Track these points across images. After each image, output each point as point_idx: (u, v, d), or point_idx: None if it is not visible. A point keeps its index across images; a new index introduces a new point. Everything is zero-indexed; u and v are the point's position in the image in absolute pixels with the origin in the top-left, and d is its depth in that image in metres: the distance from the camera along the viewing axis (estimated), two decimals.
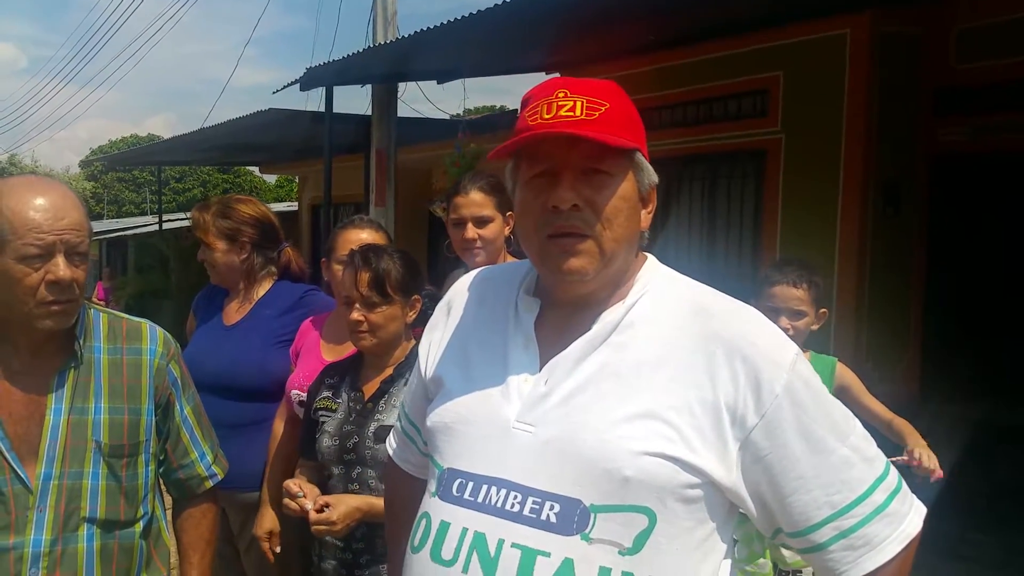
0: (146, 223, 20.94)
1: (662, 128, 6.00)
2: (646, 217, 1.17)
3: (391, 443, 1.46)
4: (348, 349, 2.20)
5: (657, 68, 6.05)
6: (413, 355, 1.84)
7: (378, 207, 6.62)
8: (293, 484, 1.97)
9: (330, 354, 2.37)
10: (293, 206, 15.66)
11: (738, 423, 1.05)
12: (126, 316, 1.75)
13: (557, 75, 7.09)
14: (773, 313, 2.38)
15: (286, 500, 1.97)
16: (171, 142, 12.37)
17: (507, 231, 2.47)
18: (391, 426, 1.48)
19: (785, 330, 2.39)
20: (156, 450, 1.71)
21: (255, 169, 22.48)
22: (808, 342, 2.53)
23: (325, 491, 2.03)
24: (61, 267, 1.49)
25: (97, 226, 24.40)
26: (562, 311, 1.18)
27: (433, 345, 1.31)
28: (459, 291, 1.33)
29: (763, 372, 1.05)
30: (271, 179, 39.46)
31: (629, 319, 1.13)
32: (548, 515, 1.05)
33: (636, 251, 1.19)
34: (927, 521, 1.12)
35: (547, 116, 1.10)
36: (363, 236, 2.39)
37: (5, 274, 1.49)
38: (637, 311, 1.13)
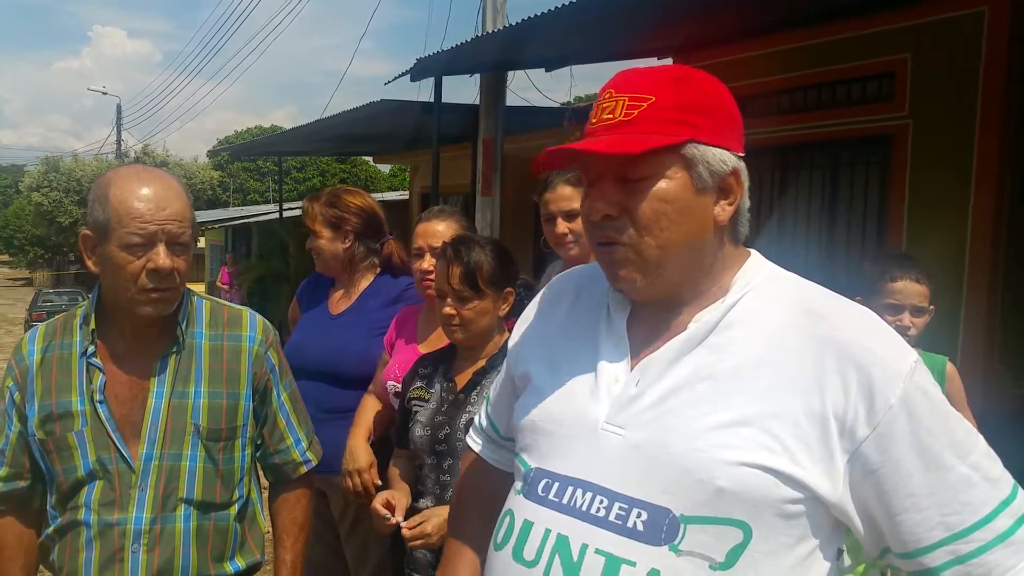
0: (268, 211, 21.94)
1: (780, 114, 5.73)
2: (724, 209, 1.08)
3: (476, 424, 1.43)
4: (444, 340, 2.19)
5: (773, 51, 5.77)
6: (506, 347, 1.81)
7: (484, 196, 6.60)
8: (380, 504, 2.00)
9: (426, 345, 2.37)
10: (405, 195, 16.00)
11: (847, 434, 0.97)
12: (227, 304, 1.80)
13: (670, 61, 6.90)
14: (894, 310, 2.34)
15: (377, 521, 2.01)
16: (290, 133, 12.84)
17: None
18: None
19: (907, 327, 2.33)
20: (253, 435, 1.75)
21: (370, 159, 23.14)
22: (931, 342, 2.42)
23: (418, 480, 2.05)
24: (162, 256, 1.54)
25: (223, 214, 25.81)
26: (655, 310, 1.11)
27: (523, 340, 1.28)
28: (552, 288, 1.31)
29: (877, 380, 0.96)
30: (385, 168, 40.60)
31: (728, 319, 1.05)
32: (635, 522, 1.00)
33: (723, 246, 1.10)
34: None
35: (593, 121, 1.07)
36: (440, 228, 2.37)
37: (110, 261, 1.55)
38: (737, 311, 1.06)
